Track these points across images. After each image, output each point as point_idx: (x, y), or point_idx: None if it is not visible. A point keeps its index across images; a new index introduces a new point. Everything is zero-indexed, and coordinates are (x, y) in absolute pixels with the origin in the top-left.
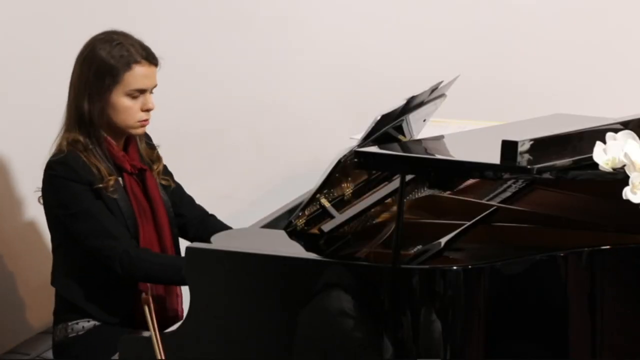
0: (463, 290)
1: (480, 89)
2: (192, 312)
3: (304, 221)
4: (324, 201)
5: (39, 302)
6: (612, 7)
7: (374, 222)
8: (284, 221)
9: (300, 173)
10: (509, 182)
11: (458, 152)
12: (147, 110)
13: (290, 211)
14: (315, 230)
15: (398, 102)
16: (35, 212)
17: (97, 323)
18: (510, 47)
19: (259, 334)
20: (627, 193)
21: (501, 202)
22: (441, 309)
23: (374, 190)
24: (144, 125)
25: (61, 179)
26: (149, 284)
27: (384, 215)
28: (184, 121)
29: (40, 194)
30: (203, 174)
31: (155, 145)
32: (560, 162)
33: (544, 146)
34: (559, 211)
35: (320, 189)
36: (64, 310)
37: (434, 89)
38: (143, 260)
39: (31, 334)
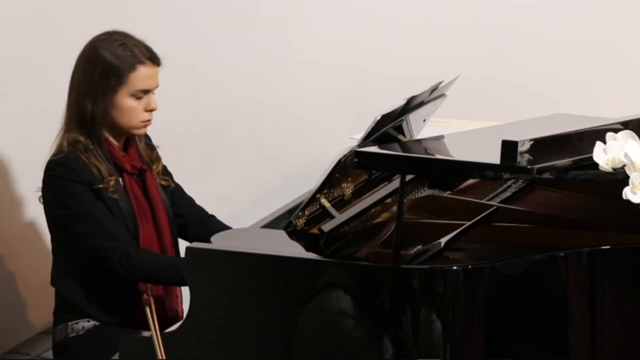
0: (463, 290)
1: (480, 89)
2: (192, 312)
3: (304, 221)
4: (324, 201)
5: (39, 302)
6: (612, 7)
7: (374, 222)
8: (284, 221)
9: (300, 173)
10: (509, 182)
11: (458, 152)
12: (150, 111)
13: (290, 211)
14: (315, 230)
15: (398, 102)
16: (35, 212)
17: (97, 323)
18: (510, 47)
19: (259, 334)
20: (627, 193)
21: (501, 202)
22: (441, 309)
23: (374, 190)
24: (146, 126)
25: (61, 179)
26: (149, 284)
27: (384, 215)
28: (184, 121)
29: (40, 193)
30: (203, 174)
31: (155, 145)
32: (560, 162)
33: (544, 146)
34: (559, 211)
35: (320, 189)
36: (64, 310)
37: (434, 89)
38: (143, 261)
39: (31, 334)
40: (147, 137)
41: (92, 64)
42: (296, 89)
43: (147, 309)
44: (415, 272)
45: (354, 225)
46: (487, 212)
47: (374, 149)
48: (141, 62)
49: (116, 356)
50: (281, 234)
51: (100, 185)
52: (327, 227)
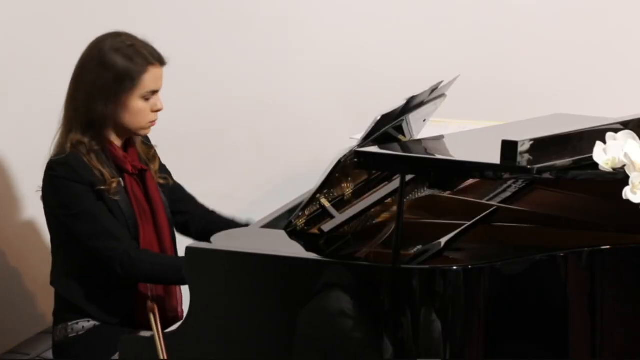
0: (463, 290)
1: (480, 89)
2: (192, 312)
3: (304, 221)
4: (324, 201)
5: (39, 302)
6: (612, 7)
7: (374, 222)
8: (284, 221)
9: (300, 173)
10: (509, 182)
11: (458, 152)
12: (157, 111)
13: (290, 211)
14: (315, 230)
15: (398, 102)
16: (35, 212)
17: (97, 323)
18: (510, 47)
19: (259, 334)
20: (627, 193)
21: (501, 202)
22: (441, 309)
23: (374, 190)
24: (152, 126)
25: (62, 179)
26: (148, 284)
27: (384, 215)
28: (184, 121)
29: (41, 193)
30: (203, 174)
31: (153, 145)
32: (560, 162)
33: (544, 146)
34: (559, 211)
35: (320, 189)
36: (64, 310)
37: (434, 89)
38: (143, 261)
39: (31, 334)
40: (145, 137)
41: (105, 68)
42: (296, 89)
43: (152, 316)
44: (415, 272)
45: (354, 225)
46: (487, 212)
47: (374, 149)
48: (151, 64)
49: (116, 356)
50: (281, 234)
51: (103, 187)
52: (327, 227)
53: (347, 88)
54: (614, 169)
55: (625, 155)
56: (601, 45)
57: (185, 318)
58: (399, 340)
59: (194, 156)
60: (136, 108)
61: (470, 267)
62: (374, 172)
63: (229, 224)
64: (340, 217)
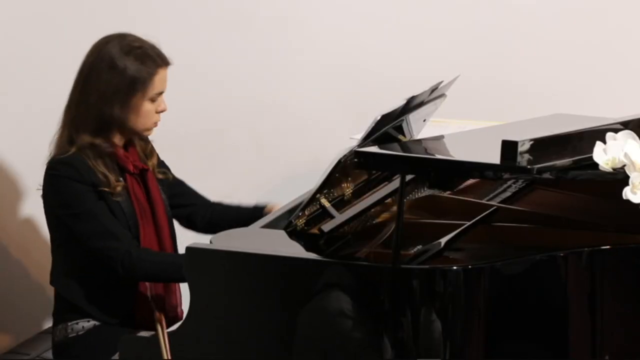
0: (463, 290)
1: (480, 89)
2: (192, 312)
3: (304, 221)
4: (324, 201)
5: (39, 302)
6: (612, 7)
7: (374, 222)
8: (284, 221)
9: (300, 173)
10: (509, 182)
11: (458, 152)
12: (161, 112)
13: (290, 211)
14: (315, 230)
15: (398, 102)
16: (35, 212)
17: (97, 323)
18: (510, 47)
19: (259, 334)
20: (627, 193)
21: (501, 202)
22: (441, 309)
23: (374, 190)
24: (155, 127)
25: (64, 178)
26: (148, 284)
27: (384, 215)
28: (184, 121)
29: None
30: (203, 174)
31: (149, 139)
32: (560, 162)
33: (544, 146)
34: (559, 211)
35: (320, 189)
36: (64, 310)
37: (434, 89)
38: (144, 261)
39: (31, 334)
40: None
41: (117, 71)
42: (296, 89)
43: (158, 327)
44: (415, 272)
45: (354, 225)
46: (487, 212)
47: (374, 149)
48: (159, 66)
49: (116, 356)
50: (281, 234)
51: (106, 189)
52: (327, 227)
53: (347, 88)
54: (614, 169)
55: (625, 155)
56: (601, 45)
57: (185, 318)
58: (399, 340)
59: (194, 156)
60: (144, 110)
61: (470, 267)
62: (374, 172)
63: (238, 210)
64: (340, 217)
